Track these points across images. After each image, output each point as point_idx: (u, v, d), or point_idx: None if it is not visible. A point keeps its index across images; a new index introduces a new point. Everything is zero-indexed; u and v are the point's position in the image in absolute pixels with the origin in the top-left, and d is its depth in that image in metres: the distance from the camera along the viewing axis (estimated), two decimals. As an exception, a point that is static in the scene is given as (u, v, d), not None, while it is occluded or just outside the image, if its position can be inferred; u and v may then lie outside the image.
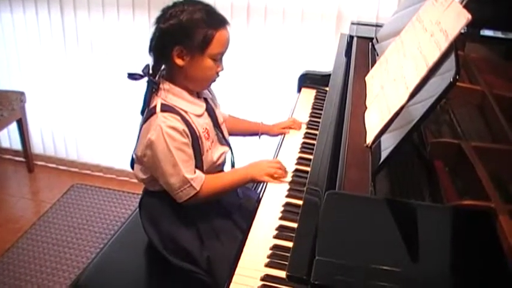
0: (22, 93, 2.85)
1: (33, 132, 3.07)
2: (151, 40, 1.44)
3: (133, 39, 2.65)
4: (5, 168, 3.11)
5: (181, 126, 1.39)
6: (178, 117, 1.40)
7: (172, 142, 1.37)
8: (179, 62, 1.40)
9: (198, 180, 1.42)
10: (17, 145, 3.05)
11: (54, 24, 2.77)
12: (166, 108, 1.41)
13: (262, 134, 1.80)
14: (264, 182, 1.46)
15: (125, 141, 2.81)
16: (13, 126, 2.92)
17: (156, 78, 1.45)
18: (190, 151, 1.42)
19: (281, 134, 1.77)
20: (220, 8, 2.38)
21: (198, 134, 1.44)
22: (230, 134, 1.67)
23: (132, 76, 1.44)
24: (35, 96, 2.95)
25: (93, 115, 2.92)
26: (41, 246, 2.44)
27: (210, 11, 1.42)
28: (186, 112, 1.43)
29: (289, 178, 1.47)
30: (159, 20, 1.41)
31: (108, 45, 2.72)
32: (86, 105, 2.91)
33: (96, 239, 2.50)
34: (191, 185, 1.40)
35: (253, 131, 1.81)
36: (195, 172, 1.43)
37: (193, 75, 1.43)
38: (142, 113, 1.48)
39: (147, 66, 1.45)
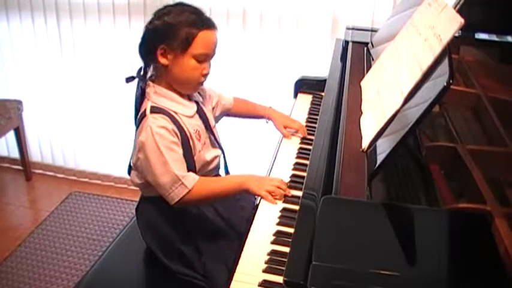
0: (19, 102, 2.85)
1: (30, 141, 3.06)
2: (140, 42, 1.47)
3: (130, 46, 2.65)
4: (2, 177, 3.11)
5: (170, 125, 1.41)
6: (167, 118, 1.42)
7: (161, 141, 1.38)
8: (163, 61, 1.42)
9: (190, 179, 1.41)
10: (15, 153, 3.05)
11: (50, 32, 2.78)
12: (155, 110, 1.43)
13: (268, 119, 1.79)
14: (259, 196, 1.41)
15: (122, 149, 2.80)
16: (11, 135, 2.92)
17: (145, 80, 1.47)
18: (180, 151, 1.42)
19: (282, 132, 1.74)
20: (216, 13, 2.44)
21: (188, 134, 1.46)
22: (238, 116, 1.68)
23: (127, 79, 1.49)
24: (33, 104, 2.96)
25: (90, 122, 2.92)
26: (39, 255, 2.44)
27: (197, 13, 1.43)
28: (176, 113, 1.45)
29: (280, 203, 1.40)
30: (148, 23, 1.46)
31: (105, 52, 2.73)
32: (83, 113, 2.91)
33: (94, 247, 2.50)
34: (182, 183, 1.39)
35: (260, 115, 1.80)
36: (186, 172, 1.43)
37: (178, 75, 1.44)
38: (135, 119, 1.49)
39: (141, 68, 1.49)
